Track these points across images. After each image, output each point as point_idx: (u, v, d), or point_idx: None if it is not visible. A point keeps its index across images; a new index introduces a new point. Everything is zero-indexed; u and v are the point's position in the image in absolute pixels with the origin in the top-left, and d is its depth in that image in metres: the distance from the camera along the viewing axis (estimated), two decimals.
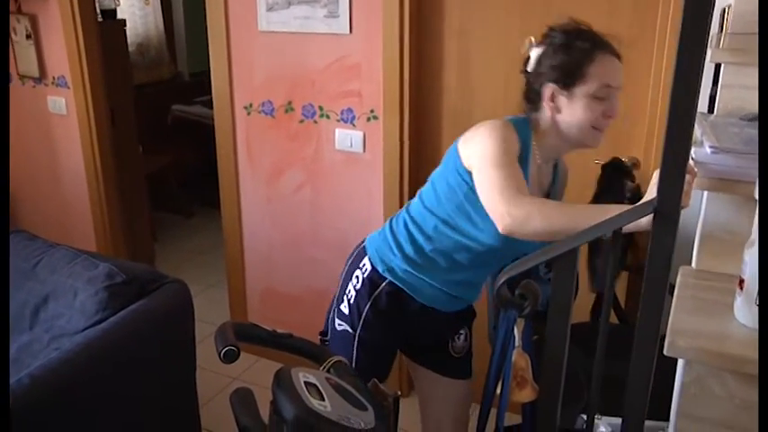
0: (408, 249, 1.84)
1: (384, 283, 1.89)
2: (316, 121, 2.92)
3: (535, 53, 1.76)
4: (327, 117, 2.88)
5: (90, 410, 2.00)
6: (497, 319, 2.11)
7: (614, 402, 1.34)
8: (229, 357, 1.25)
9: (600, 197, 1.99)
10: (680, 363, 1.37)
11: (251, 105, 3.07)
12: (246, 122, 3.11)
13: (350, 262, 2.00)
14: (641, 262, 2.28)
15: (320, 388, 1.18)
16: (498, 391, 1.47)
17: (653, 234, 1.02)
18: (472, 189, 1.68)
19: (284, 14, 2.86)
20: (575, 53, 1.68)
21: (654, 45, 2.35)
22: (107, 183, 3.72)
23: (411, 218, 1.87)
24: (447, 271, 1.84)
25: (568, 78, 1.67)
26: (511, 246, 1.71)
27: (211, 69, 3.12)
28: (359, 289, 1.92)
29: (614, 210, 1.38)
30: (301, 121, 2.96)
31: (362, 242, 2.00)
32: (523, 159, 1.71)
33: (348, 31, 2.73)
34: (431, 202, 1.81)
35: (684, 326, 1.30)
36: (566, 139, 1.76)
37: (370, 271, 1.91)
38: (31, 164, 3.87)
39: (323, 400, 1.16)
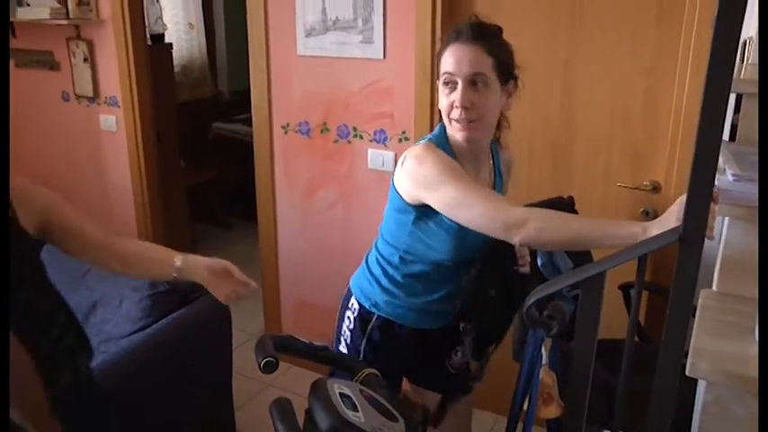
0: (385, 282, 1.84)
1: (373, 318, 1.87)
2: (349, 141, 2.94)
3: None
4: (361, 137, 2.90)
5: (134, 410, 2.01)
6: (523, 336, 2.10)
7: (632, 417, 1.32)
8: (269, 368, 1.26)
9: None
10: (701, 384, 1.35)
11: (288, 125, 3.09)
12: (284, 141, 3.13)
13: (341, 304, 1.99)
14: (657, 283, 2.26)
15: (354, 399, 1.18)
16: (525, 406, 1.46)
17: (678, 260, 1.01)
18: (418, 216, 1.68)
19: (321, 40, 2.88)
20: (441, 47, 1.68)
21: (675, 74, 2.32)
22: (151, 195, 3.77)
23: (379, 253, 1.86)
24: (425, 292, 1.82)
25: (438, 71, 1.67)
26: (464, 251, 1.72)
27: (252, 90, 3.16)
28: (352, 329, 1.90)
29: (605, 226, 1.45)
30: (336, 141, 2.98)
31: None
32: None
33: (382, 57, 2.74)
34: (389, 236, 1.81)
35: (706, 347, 1.28)
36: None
37: (359, 309, 1.90)
38: (82, 177, 3.93)
39: (357, 411, 1.16)
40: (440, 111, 1.70)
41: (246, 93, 3.26)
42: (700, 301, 1.48)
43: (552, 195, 2.43)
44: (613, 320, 1.82)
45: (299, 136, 3.06)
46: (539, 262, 2.17)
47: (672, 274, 1.03)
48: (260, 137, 3.19)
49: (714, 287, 1.54)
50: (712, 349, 1.27)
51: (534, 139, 2.65)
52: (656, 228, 1.28)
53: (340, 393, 1.17)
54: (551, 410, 1.40)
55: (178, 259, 1.63)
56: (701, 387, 1.35)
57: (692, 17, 2.24)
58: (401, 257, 1.80)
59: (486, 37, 1.62)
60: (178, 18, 5.54)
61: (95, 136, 3.76)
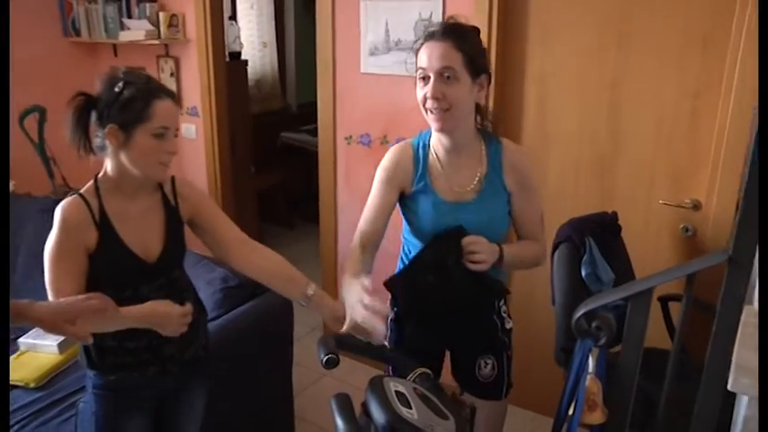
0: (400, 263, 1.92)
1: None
2: None
3: None
4: None
5: (203, 394, 2.03)
6: (565, 342, 2.04)
7: (667, 422, 1.27)
8: (330, 364, 1.25)
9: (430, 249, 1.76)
10: (742, 398, 1.29)
11: (351, 137, 3.10)
12: (346, 151, 3.13)
13: None
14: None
15: (408, 397, 1.16)
16: (570, 412, 1.42)
17: (726, 280, 0.96)
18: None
19: (383, 59, 2.88)
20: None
21: (720, 97, 2.25)
22: (225, 197, 3.83)
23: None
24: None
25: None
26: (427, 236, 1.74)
27: (318, 104, 3.17)
28: (390, 334, 1.95)
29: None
30: None
31: None
32: (420, 174, 1.74)
33: None
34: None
35: (747, 363, 1.21)
36: None
37: (394, 314, 1.96)
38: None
39: (410, 408, 1.14)
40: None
41: (312, 105, 3.28)
42: (742, 317, 1.41)
43: (596, 210, 2.38)
44: (649, 330, 1.76)
45: (360, 147, 3.06)
46: (583, 273, 2.12)
47: (707, 287, 0.98)
48: (324, 147, 3.20)
49: (755, 304, 1.46)
50: (754, 365, 1.20)
51: (581, 155, 2.59)
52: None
53: (395, 391, 1.15)
54: (595, 416, 1.36)
55: (311, 289, 1.71)
56: (743, 402, 1.29)
57: (737, 42, 2.15)
58: (403, 242, 1.87)
59: (457, 34, 1.61)
60: (253, 37, 5.63)
61: (178, 142, 3.83)
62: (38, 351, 2.66)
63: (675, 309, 2.27)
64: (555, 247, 2.17)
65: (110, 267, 1.61)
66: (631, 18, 2.37)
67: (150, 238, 1.67)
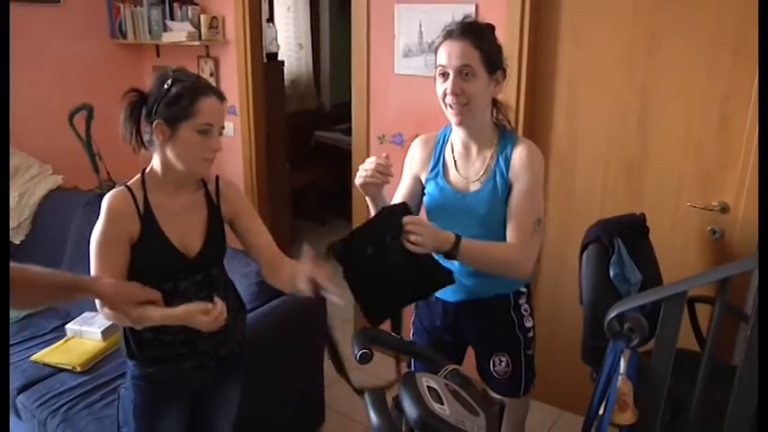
0: None
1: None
2: None
3: None
4: None
5: (237, 389, 2.04)
6: (591, 339, 2.01)
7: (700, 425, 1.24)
8: (364, 359, 1.24)
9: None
10: None
11: (384, 136, 3.09)
12: (379, 150, 3.11)
13: None
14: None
15: (440, 393, 1.15)
16: (601, 411, 1.39)
17: (760, 286, 0.93)
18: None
19: (417, 60, 2.86)
20: None
21: (750, 101, 2.19)
22: (260, 193, 3.85)
23: None
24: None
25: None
26: (439, 219, 1.75)
27: (352, 104, 3.17)
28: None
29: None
30: None
31: None
32: (435, 160, 1.83)
33: None
34: None
35: None
36: None
37: None
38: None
39: (442, 404, 1.13)
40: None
41: (345, 105, 3.27)
42: None
43: (625, 212, 2.34)
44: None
45: (393, 146, 3.05)
46: (611, 273, 2.08)
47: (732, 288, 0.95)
48: (358, 146, 3.20)
49: None
50: None
51: (610, 158, 2.55)
52: None
53: (428, 386, 1.14)
54: (626, 417, 1.33)
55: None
56: None
57: None
58: None
59: (474, 33, 1.64)
60: (289, 39, 5.65)
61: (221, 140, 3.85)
62: (83, 337, 2.71)
63: (701, 310, 2.21)
64: (584, 248, 2.13)
65: (150, 258, 1.62)
66: (662, 22, 2.32)
67: (191, 234, 1.68)
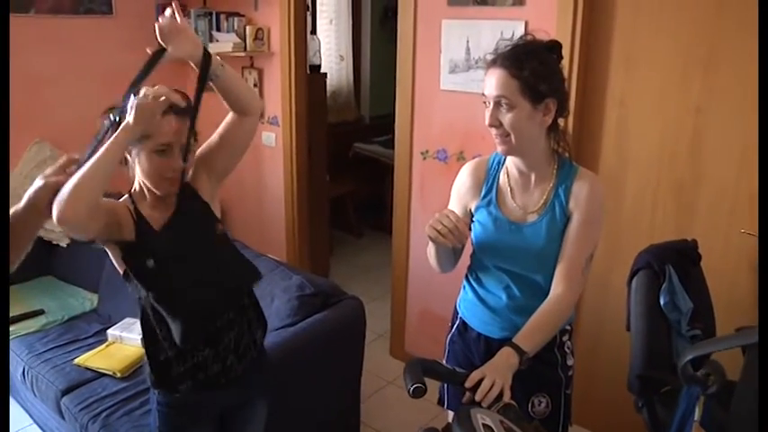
0: (464, 281, 1.84)
1: (457, 319, 1.86)
2: None
3: None
4: None
5: (277, 395, 2.01)
6: (641, 369, 1.92)
7: None
8: (417, 394, 1.18)
9: None
10: None
11: (427, 152, 3.04)
12: (422, 166, 3.08)
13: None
14: None
15: (495, 431, 1.09)
16: None
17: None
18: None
19: (463, 77, 2.81)
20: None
21: None
22: (300, 204, 3.83)
23: None
24: (479, 293, 1.76)
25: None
26: (495, 254, 1.69)
27: (396, 118, 3.13)
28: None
29: None
30: None
31: None
32: (489, 188, 1.70)
33: None
34: None
35: None
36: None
37: (453, 311, 1.90)
38: (242, 186, 4.04)
39: None
40: None
41: (384, 117, 3.24)
42: None
43: (674, 236, 2.24)
44: (726, 361, 1.62)
45: (436, 162, 3.00)
46: (661, 301, 1.99)
47: None
48: (401, 160, 3.16)
49: None
50: None
51: (660, 181, 2.46)
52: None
53: (483, 424, 1.08)
54: None
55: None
56: None
57: None
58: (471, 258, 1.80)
59: (514, 60, 1.51)
60: (331, 51, 5.65)
61: (257, 150, 3.86)
62: (123, 343, 2.71)
63: None
64: (633, 274, 2.05)
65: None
66: (719, 42, 2.23)
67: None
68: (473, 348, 1.79)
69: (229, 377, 1.68)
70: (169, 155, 1.51)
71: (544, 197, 1.64)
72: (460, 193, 1.77)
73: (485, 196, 1.71)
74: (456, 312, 1.88)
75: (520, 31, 2.58)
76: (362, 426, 2.75)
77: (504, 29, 2.63)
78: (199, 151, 1.68)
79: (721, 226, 2.35)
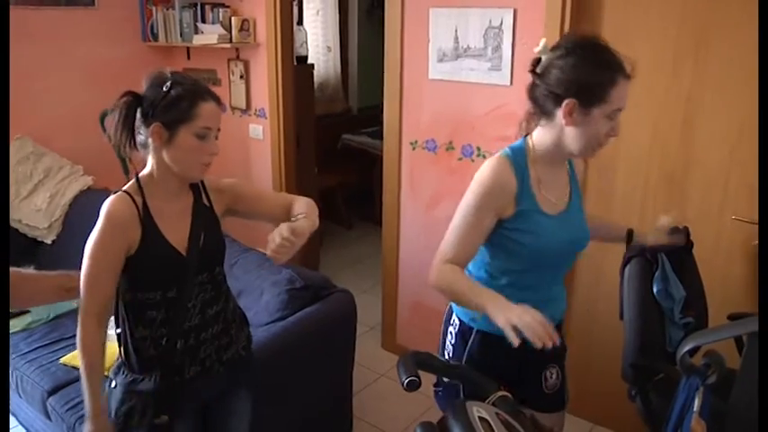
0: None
1: (473, 333, 1.70)
2: (473, 160, 2.81)
3: (548, 58, 1.58)
4: (484, 156, 2.76)
5: (266, 390, 1.98)
6: (633, 357, 1.91)
7: None
8: (412, 387, 1.15)
9: None
10: None
11: (416, 142, 3.01)
12: (411, 156, 3.04)
13: (443, 320, 1.84)
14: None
15: (492, 423, 1.07)
16: None
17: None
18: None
19: (452, 65, 2.78)
20: (600, 75, 1.52)
21: None
22: None
23: (469, 271, 1.72)
24: (516, 299, 1.57)
25: (592, 98, 1.51)
26: (541, 258, 1.62)
27: (384, 109, 3.09)
28: (454, 344, 1.74)
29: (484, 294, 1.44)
30: (460, 159, 2.86)
31: None
32: (523, 191, 1.58)
33: (509, 83, 2.61)
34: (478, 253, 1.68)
35: None
36: (564, 150, 1.58)
37: (459, 325, 1.74)
38: (231, 176, 3.96)
39: None
40: None
41: (372, 108, 3.21)
42: None
43: None
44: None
45: (425, 152, 2.97)
46: (654, 289, 1.98)
47: None
48: (389, 151, 3.12)
49: None
50: None
51: (651, 169, 2.44)
52: (491, 308, 1.39)
53: (479, 417, 1.06)
54: None
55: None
56: None
57: None
58: (486, 271, 1.68)
59: (537, 69, 1.58)
60: (318, 42, 5.59)
61: (245, 142, 3.81)
62: (111, 341, 2.66)
63: None
64: (626, 262, 2.03)
65: (153, 263, 1.56)
66: (709, 30, 2.21)
67: (190, 235, 1.62)
68: (503, 357, 1.63)
69: (212, 360, 1.67)
70: (208, 139, 1.53)
71: (567, 182, 1.68)
72: (491, 201, 1.57)
73: (523, 201, 1.59)
74: (468, 329, 1.73)
75: (509, 19, 2.55)
76: (355, 418, 2.73)
77: (493, 17, 2.60)
78: (237, 183, 1.79)
79: (713, 213, 2.34)
